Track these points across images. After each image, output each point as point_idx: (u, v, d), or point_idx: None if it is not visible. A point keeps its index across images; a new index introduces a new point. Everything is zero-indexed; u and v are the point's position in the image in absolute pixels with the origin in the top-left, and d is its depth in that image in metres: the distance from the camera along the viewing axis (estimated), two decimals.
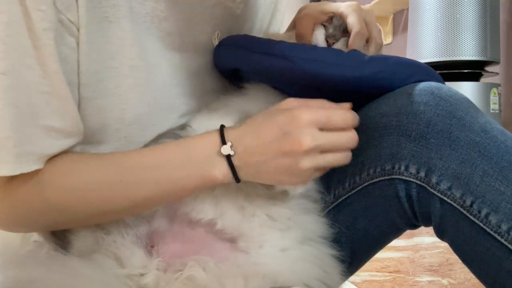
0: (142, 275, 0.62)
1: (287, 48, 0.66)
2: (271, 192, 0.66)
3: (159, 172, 0.60)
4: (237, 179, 0.60)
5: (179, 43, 0.69)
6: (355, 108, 0.62)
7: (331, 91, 0.64)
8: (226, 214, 0.64)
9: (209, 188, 0.64)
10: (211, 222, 0.65)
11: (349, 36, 0.70)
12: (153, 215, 0.66)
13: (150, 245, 0.65)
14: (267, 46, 0.67)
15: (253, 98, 0.71)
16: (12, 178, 0.59)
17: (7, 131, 0.56)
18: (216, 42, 0.74)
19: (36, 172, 0.59)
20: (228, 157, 0.59)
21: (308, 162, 0.57)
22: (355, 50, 0.66)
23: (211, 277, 0.61)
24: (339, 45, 0.71)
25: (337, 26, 0.72)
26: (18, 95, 0.55)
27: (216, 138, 0.60)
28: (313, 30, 0.72)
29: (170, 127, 0.69)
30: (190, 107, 0.72)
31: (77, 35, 0.58)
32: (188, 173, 0.60)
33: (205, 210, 0.65)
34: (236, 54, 0.70)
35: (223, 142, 0.59)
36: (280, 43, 0.67)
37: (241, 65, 0.71)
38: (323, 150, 0.58)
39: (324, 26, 0.73)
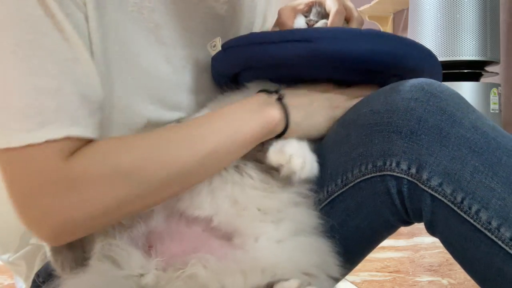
0: (141, 275, 0.62)
1: (307, 31, 0.70)
2: (266, 185, 0.67)
3: (223, 123, 0.64)
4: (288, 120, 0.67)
5: (168, 36, 0.71)
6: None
7: (347, 69, 0.69)
8: (221, 209, 0.65)
9: (205, 182, 0.65)
10: (208, 218, 0.65)
11: (328, 18, 0.74)
12: (149, 215, 0.66)
13: (148, 246, 0.65)
14: (283, 34, 0.69)
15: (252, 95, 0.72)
16: (73, 155, 0.57)
17: (27, 99, 0.54)
18: (212, 50, 0.74)
19: (98, 143, 0.59)
20: (279, 99, 0.67)
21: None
22: (370, 29, 0.69)
23: (211, 275, 0.61)
24: (319, 26, 0.74)
25: (317, 13, 0.74)
26: (39, 63, 0.55)
27: (264, 93, 0.69)
28: (294, 18, 0.76)
29: (158, 117, 0.70)
30: (183, 102, 0.73)
31: (84, 11, 0.59)
32: (250, 118, 0.65)
33: (202, 206, 0.65)
34: (248, 51, 0.70)
35: (275, 92, 0.68)
36: (296, 30, 0.71)
37: (253, 62, 0.71)
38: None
39: (305, 16, 0.76)
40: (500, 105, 2.17)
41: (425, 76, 0.68)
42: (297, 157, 0.64)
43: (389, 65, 0.69)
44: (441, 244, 0.65)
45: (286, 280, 0.57)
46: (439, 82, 0.65)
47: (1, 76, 0.55)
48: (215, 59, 0.74)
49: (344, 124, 0.70)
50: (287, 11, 0.77)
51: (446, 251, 0.65)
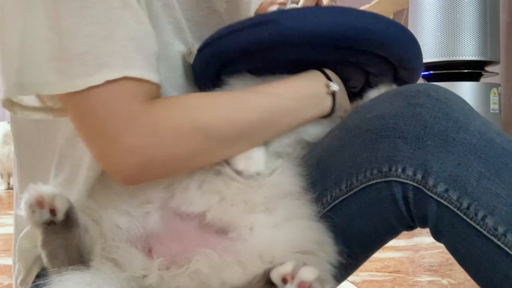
0: (144, 276, 0.62)
1: (269, 14, 0.71)
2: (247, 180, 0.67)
3: (291, 99, 0.69)
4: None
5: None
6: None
7: (314, 47, 0.70)
8: (211, 205, 0.65)
9: (198, 180, 0.66)
10: (201, 215, 0.65)
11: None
12: (145, 217, 0.65)
13: (147, 249, 0.64)
14: (247, 20, 0.70)
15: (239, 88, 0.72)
16: (155, 102, 0.61)
17: (83, 46, 0.58)
18: (190, 58, 0.75)
19: (179, 97, 0.65)
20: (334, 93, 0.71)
21: None
22: (334, 5, 0.72)
23: (211, 271, 0.61)
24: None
25: (292, 3, 0.75)
26: (90, 12, 0.58)
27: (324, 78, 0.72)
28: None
29: None
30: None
31: None
32: (315, 103, 0.71)
33: (193, 202, 0.65)
34: (219, 45, 0.71)
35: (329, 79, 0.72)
36: (259, 14, 0.73)
37: (227, 54, 0.71)
38: None
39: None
40: (500, 105, 2.17)
41: (398, 52, 0.70)
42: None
43: (353, 39, 0.68)
44: (441, 244, 0.65)
45: (281, 264, 0.57)
46: (445, 88, 0.65)
47: (57, 25, 0.58)
48: (194, 65, 0.74)
49: (348, 129, 0.70)
50: (263, 5, 0.78)
51: (446, 251, 0.66)
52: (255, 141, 0.67)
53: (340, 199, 0.69)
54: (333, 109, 0.72)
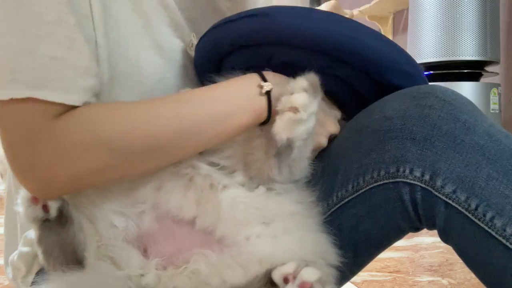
0: (142, 275, 0.62)
1: (265, 7, 0.69)
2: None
3: (215, 104, 0.64)
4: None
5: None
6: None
7: (300, 48, 0.68)
8: (203, 212, 0.65)
9: (185, 186, 0.65)
10: (191, 221, 0.65)
11: None
12: (140, 217, 0.65)
13: (143, 249, 0.64)
14: (243, 12, 0.70)
15: None
16: (59, 118, 0.58)
17: (4, 57, 0.57)
18: (191, 50, 0.75)
19: (84, 109, 0.60)
20: (268, 93, 0.65)
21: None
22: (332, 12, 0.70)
23: (212, 270, 0.61)
24: None
25: None
26: (18, 22, 0.56)
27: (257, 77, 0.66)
28: None
29: None
30: None
31: None
32: (244, 106, 0.65)
33: (182, 208, 0.65)
34: (215, 33, 0.71)
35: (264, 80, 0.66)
36: (257, 8, 0.71)
37: (222, 42, 0.71)
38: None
39: None
40: (500, 105, 2.17)
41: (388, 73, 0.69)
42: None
43: (338, 46, 0.66)
44: (441, 244, 0.65)
45: (283, 264, 0.57)
46: (452, 90, 0.65)
47: None
48: (194, 58, 0.74)
49: (355, 130, 0.70)
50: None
51: (446, 251, 0.66)
52: (178, 153, 0.64)
53: (347, 199, 0.69)
54: (269, 112, 0.65)
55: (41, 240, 0.62)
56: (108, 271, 0.62)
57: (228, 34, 0.70)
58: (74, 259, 0.63)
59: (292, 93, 0.62)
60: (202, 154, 0.67)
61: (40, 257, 0.63)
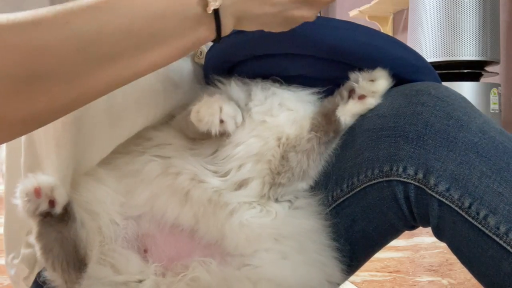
0: (140, 281, 0.61)
1: None
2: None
3: (137, 19, 0.49)
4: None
5: None
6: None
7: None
8: (202, 222, 0.64)
9: (184, 194, 0.64)
10: (191, 228, 0.64)
11: None
12: (140, 216, 0.65)
13: (143, 250, 0.64)
14: None
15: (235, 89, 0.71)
16: None
17: None
18: (200, 59, 0.74)
19: None
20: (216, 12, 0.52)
21: (297, 12, 0.56)
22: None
23: (216, 279, 0.60)
24: None
25: None
26: None
27: None
28: None
29: None
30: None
31: None
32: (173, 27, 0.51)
33: (180, 216, 0.64)
34: (233, 41, 0.67)
35: None
36: None
37: (238, 52, 0.70)
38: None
39: None
40: (500, 105, 2.17)
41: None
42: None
43: (355, 54, 0.67)
44: (441, 244, 0.65)
45: None
46: (446, 86, 0.65)
47: None
48: (206, 63, 0.73)
49: (349, 129, 0.69)
50: None
51: (446, 251, 0.66)
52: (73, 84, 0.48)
53: (342, 199, 0.69)
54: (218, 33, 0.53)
55: (40, 236, 0.61)
56: (107, 277, 0.61)
57: (242, 43, 0.68)
58: (75, 257, 0.62)
59: (372, 80, 0.65)
60: (205, 163, 0.67)
61: (39, 253, 0.62)
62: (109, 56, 0.48)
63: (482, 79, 2.28)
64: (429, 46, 2.20)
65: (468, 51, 2.13)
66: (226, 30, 0.54)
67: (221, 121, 0.62)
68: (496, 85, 2.17)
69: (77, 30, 0.46)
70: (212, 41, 0.54)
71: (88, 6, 0.47)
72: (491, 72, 2.24)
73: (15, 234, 0.75)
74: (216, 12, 0.51)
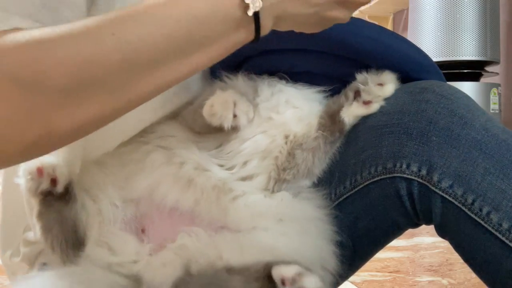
0: (135, 262, 0.62)
1: None
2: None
3: (177, 25, 0.49)
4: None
5: None
6: None
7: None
8: (204, 205, 0.64)
9: (187, 181, 0.64)
10: (191, 210, 0.64)
11: None
12: (139, 198, 0.65)
13: (140, 229, 0.64)
14: None
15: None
16: None
17: None
18: None
19: None
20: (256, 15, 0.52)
21: (333, 13, 0.56)
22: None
23: (205, 244, 0.61)
24: None
25: None
26: None
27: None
28: None
29: None
30: None
31: None
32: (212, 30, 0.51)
33: (182, 201, 0.64)
34: None
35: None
36: None
37: (248, 47, 0.68)
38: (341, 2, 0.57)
39: None
40: (500, 105, 2.17)
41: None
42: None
43: (363, 49, 0.67)
44: (441, 244, 0.65)
45: (288, 264, 0.56)
46: (450, 85, 0.65)
47: None
48: None
49: (352, 126, 0.69)
50: None
51: (446, 251, 0.66)
52: (120, 94, 0.49)
53: (345, 196, 0.69)
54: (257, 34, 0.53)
55: (41, 215, 0.62)
56: (103, 259, 0.62)
57: None
58: (74, 238, 0.63)
59: (381, 84, 0.65)
60: (211, 155, 0.67)
61: (39, 233, 0.63)
62: (153, 63, 0.49)
63: (482, 79, 2.29)
64: (429, 46, 2.20)
65: (468, 51, 2.14)
66: (265, 31, 0.53)
67: (234, 116, 0.63)
68: (496, 85, 2.17)
69: (122, 40, 0.47)
70: (250, 42, 0.54)
71: (130, 16, 0.48)
72: (491, 72, 2.24)
73: (12, 230, 0.75)
74: (256, 14, 0.51)
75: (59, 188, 0.60)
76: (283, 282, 0.55)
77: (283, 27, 0.56)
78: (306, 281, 0.55)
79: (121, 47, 0.47)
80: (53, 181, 0.60)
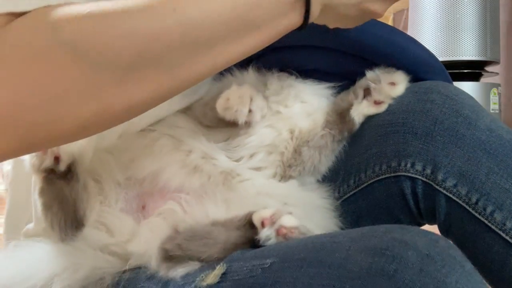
0: (129, 241, 0.63)
1: None
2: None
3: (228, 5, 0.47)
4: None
5: None
6: None
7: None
8: (210, 188, 0.65)
9: (193, 167, 0.64)
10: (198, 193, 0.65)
11: None
12: (144, 178, 0.66)
13: (141, 206, 0.65)
14: None
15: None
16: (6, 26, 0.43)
17: None
18: None
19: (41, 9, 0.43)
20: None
21: (372, 5, 0.55)
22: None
23: (192, 206, 0.61)
24: None
25: None
26: None
27: None
28: None
29: None
30: None
31: None
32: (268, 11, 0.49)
33: (187, 184, 0.65)
34: None
35: None
36: None
37: None
38: None
39: None
40: (500, 105, 2.17)
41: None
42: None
43: (375, 48, 0.68)
44: None
45: (264, 208, 0.57)
46: (455, 86, 0.66)
47: None
48: None
49: None
50: None
51: None
52: (181, 67, 0.47)
53: (349, 194, 0.70)
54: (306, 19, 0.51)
55: (43, 192, 0.62)
56: (101, 240, 0.62)
57: None
58: (73, 217, 0.63)
59: (393, 83, 0.66)
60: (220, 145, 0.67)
61: (40, 209, 0.63)
62: (208, 43, 0.47)
63: (482, 79, 2.28)
64: (429, 46, 2.19)
65: (468, 51, 2.13)
66: (314, 16, 0.52)
67: (249, 111, 0.63)
68: (496, 85, 2.17)
69: (183, 16, 0.45)
70: (297, 29, 0.52)
71: None
72: (491, 72, 2.24)
73: (16, 221, 0.75)
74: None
75: (62, 166, 0.60)
76: (262, 224, 0.56)
77: (325, 17, 0.55)
78: (284, 218, 0.56)
79: (180, 24, 0.45)
80: (56, 159, 0.60)
